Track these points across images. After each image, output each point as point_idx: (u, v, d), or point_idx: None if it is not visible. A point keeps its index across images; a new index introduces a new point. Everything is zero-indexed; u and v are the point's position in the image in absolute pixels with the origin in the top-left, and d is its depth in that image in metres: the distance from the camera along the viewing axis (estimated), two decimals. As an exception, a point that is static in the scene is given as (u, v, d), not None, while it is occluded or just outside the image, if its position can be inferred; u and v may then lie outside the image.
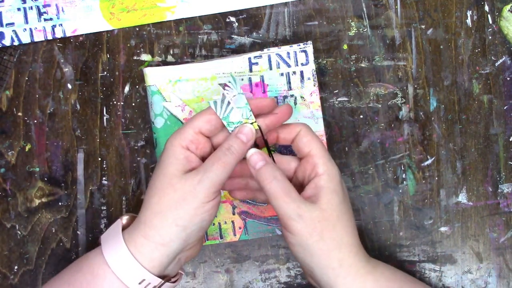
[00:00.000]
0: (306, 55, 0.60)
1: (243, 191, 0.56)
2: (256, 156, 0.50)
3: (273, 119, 0.52)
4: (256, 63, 0.60)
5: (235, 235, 0.61)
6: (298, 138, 0.52)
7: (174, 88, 0.60)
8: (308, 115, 0.60)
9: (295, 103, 0.60)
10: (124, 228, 0.52)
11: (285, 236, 0.50)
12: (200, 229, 0.50)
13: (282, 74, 0.60)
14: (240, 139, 0.50)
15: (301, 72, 0.60)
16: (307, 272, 0.53)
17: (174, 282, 0.52)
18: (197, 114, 0.51)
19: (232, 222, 0.61)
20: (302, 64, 0.60)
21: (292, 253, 0.52)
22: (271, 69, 0.60)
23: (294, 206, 0.48)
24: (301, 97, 0.60)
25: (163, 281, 0.50)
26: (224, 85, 0.50)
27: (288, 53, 0.60)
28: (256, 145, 0.52)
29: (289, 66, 0.60)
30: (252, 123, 0.51)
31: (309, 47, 0.60)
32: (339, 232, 0.49)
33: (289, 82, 0.60)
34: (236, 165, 0.50)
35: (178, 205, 0.48)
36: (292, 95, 0.60)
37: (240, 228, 0.61)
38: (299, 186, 0.52)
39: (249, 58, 0.60)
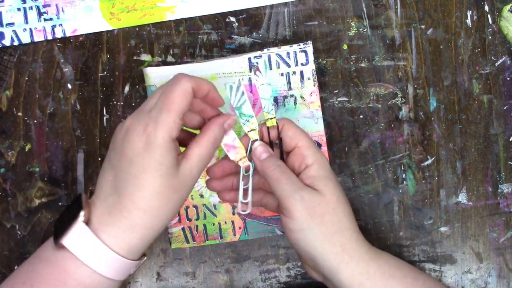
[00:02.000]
0: (306, 55, 0.60)
1: (232, 192, 0.55)
2: (260, 148, 0.52)
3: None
4: (256, 63, 0.60)
5: (235, 235, 0.61)
6: (283, 133, 0.52)
7: (174, 88, 0.59)
8: (308, 115, 0.60)
9: (295, 103, 0.60)
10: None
11: (285, 224, 0.50)
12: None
13: (282, 74, 0.60)
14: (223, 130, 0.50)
15: (301, 72, 0.60)
16: (308, 262, 0.52)
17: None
18: (172, 92, 0.46)
19: (232, 222, 0.61)
20: (302, 64, 0.60)
21: (291, 242, 0.51)
22: (271, 69, 0.60)
23: (295, 187, 0.49)
24: (301, 97, 0.60)
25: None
26: (256, 69, 0.50)
27: (288, 53, 0.60)
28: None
29: (289, 66, 0.60)
30: (272, 118, 0.53)
31: (309, 47, 0.60)
32: (339, 215, 0.50)
33: (289, 82, 0.60)
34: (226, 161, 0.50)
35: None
36: (292, 95, 0.60)
37: (240, 228, 0.61)
38: None
39: (249, 58, 0.60)
